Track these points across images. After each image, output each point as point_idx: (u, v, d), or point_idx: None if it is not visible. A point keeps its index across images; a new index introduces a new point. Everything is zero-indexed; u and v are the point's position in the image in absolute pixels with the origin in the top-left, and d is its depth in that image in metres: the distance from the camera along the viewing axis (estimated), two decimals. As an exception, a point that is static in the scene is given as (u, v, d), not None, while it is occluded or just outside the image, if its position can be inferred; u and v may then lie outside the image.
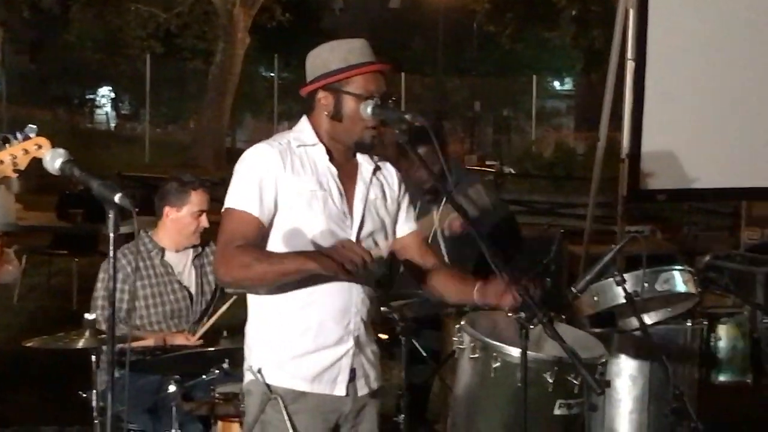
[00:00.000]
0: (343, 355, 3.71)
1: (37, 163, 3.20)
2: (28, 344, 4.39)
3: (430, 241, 5.20)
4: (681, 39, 7.36)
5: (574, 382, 3.51)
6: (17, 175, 3.39)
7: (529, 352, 3.35)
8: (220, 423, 4.55)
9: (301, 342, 3.67)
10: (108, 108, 36.68)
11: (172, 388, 4.50)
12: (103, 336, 4.20)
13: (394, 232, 3.90)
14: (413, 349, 5.06)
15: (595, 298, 4.71)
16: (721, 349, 5.38)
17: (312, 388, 3.67)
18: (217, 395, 4.58)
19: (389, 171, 3.91)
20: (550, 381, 3.49)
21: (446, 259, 5.17)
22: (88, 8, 29.74)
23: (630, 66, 7.19)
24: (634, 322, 4.35)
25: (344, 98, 3.66)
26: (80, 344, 4.20)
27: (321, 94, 3.70)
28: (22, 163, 3.37)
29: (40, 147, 3.32)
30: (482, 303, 3.72)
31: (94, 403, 4.30)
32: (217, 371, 4.55)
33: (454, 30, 33.63)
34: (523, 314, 3.34)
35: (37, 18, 30.60)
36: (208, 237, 5.21)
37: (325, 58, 3.71)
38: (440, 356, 5.49)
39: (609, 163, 7.77)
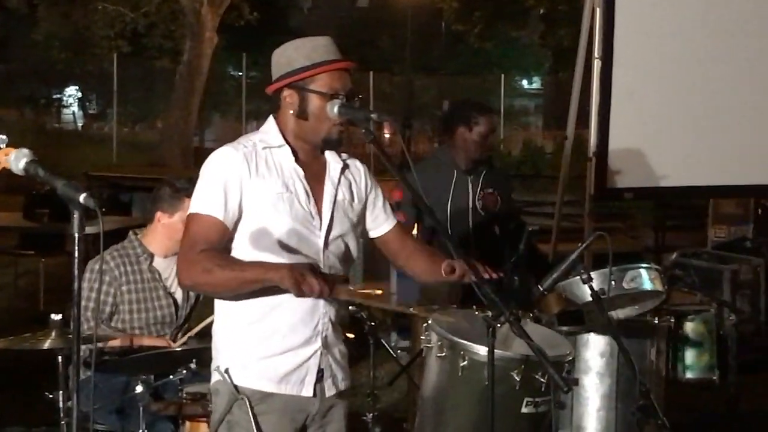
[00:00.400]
0: (311, 355, 3.70)
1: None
2: (-5, 345, 4.35)
3: None
4: (647, 38, 7.40)
5: (541, 380, 3.51)
6: None
7: (496, 351, 3.35)
8: (187, 423, 4.53)
9: (269, 344, 3.66)
10: (75, 107, 36.40)
11: (139, 389, 4.47)
12: (70, 336, 4.17)
13: (366, 232, 3.90)
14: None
15: (562, 296, 4.71)
16: (688, 347, 5.40)
17: (279, 389, 3.66)
18: (185, 395, 4.57)
19: (357, 168, 3.90)
20: (517, 379, 3.49)
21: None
22: (55, 7, 29.58)
23: (597, 65, 7.23)
24: (601, 320, 4.35)
25: (309, 96, 3.65)
26: (47, 345, 4.16)
27: (286, 93, 3.69)
28: None
29: (7, 155, 3.29)
30: (449, 279, 3.75)
31: (60, 404, 4.27)
32: (184, 371, 4.52)
33: (422, 29, 33.62)
34: (490, 313, 3.35)
35: (4, 17, 30.38)
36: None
37: (289, 56, 3.70)
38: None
39: (577, 161, 7.81)
